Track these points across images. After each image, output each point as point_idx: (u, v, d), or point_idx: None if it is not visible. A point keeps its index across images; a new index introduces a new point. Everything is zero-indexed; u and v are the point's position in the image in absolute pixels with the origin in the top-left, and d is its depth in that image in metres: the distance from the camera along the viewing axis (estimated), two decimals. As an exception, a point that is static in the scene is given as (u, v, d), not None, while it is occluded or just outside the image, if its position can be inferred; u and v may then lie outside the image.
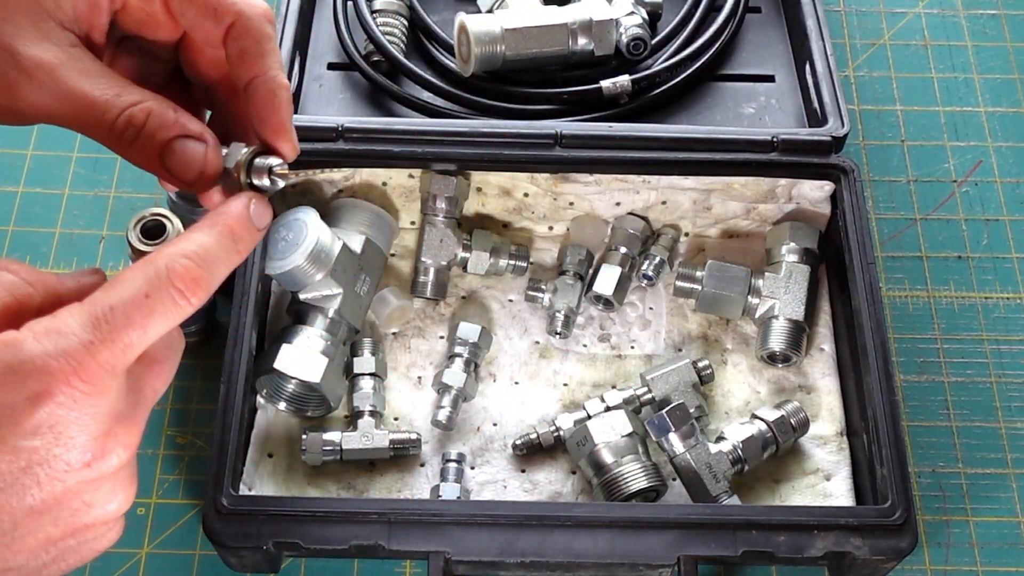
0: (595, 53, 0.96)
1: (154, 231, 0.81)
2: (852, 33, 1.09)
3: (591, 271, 0.91)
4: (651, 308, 0.91)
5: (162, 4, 0.57)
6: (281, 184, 0.57)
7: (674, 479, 0.82)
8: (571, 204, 0.92)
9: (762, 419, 0.82)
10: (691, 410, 0.81)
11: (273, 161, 0.57)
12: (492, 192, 0.92)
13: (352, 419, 0.83)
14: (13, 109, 0.56)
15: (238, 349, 0.80)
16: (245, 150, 0.57)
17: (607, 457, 0.79)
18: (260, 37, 0.57)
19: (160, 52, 0.61)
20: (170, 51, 0.61)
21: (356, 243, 0.85)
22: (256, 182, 0.57)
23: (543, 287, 0.90)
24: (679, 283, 0.89)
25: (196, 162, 0.56)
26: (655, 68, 0.96)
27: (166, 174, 0.56)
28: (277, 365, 0.79)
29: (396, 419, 0.86)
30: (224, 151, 0.57)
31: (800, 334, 0.86)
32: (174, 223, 0.81)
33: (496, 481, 0.83)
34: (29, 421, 0.49)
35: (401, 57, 0.96)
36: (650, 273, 0.90)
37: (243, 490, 0.78)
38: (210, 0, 0.57)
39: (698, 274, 0.88)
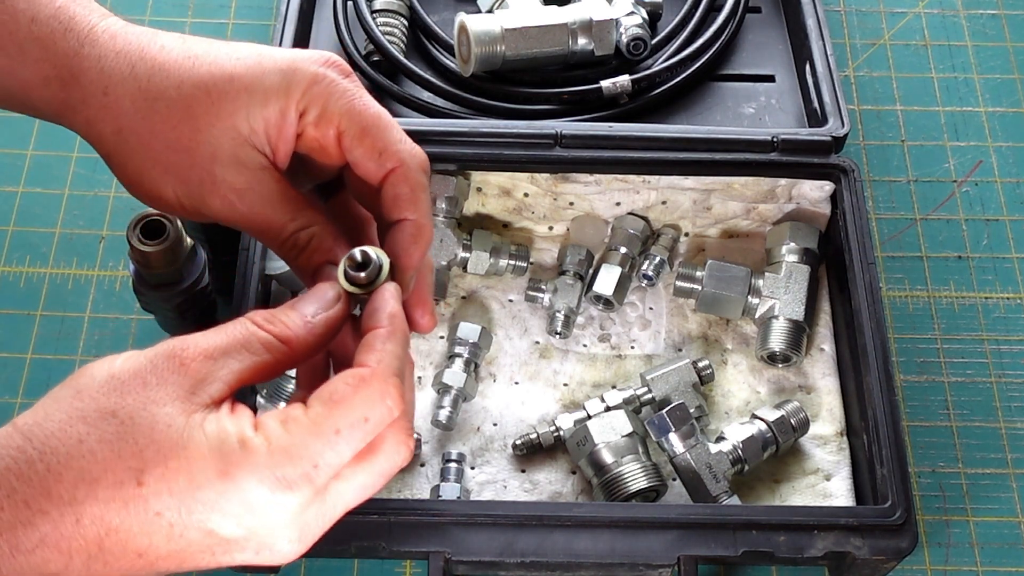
0: (595, 53, 0.96)
1: (154, 231, 0.80)
2: (852, 33, 1.09)
3: (591, 271, 0.91)
4: (651, 308, 0.91)
5: (335, 137, 0.62)
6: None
7: (674, 479, 0.82)
8: (571, 204, 0.92)
9: (762, 419, 0.82)
10: (691, 410, 0.81)
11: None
12: (492, 192, 0.92)
13: (352, 419, 0.83)
14: (197, 212, 0.63)
15: (238, 349, 0.80)
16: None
17: (607, 457, 0.79)
18: (415, 186, 0.62)
19: (325, 173, 0.66)
20: (334, 173, 0.66)
21: (356, 243, 0.85)
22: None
23: (543, 287, 0.90)
24: (679, 283, 0.89)
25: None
26: (655, 68, 0.97)
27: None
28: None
29: (396, 419, 0.86)
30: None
31: (800, 334, 0.86)
32: (174, 223, 0.81)
33: (496, 481, 0.83)
34: (236, 520, 0.52)
35: (401, 57, 0.96)
36: (650, 273, 0.90)
37: (243, 490, 0.78)
38: (377, 144, 0.61)
39: (698, 274, 0.88)
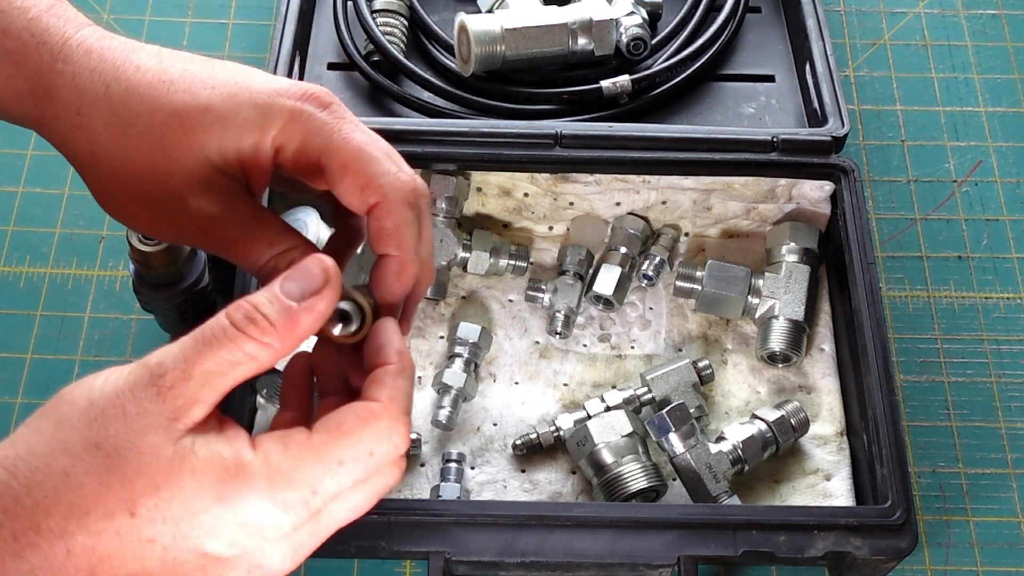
0: (595, 53, 0.96)
1: (154, 231, 0.80)
2: (852, 33, 1.09)
3: (591, 271, 0.91)
4: (651, 308, 0.91)
5: (319, 173, 0.60)
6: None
7: (674, 479, 0.82)
8: (571, 204, 0.92)
9: (762, 419, 0.82)
10: (691, 410, 0.81)
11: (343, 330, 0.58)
12: (492, 192, 0.92)
13: (352, 419, 0.83)
14: (172, 237, 0.63)
15: (238, 349, 0.80)
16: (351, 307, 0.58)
17: (607, 457, 0.79)
18: (399, 221, 0.59)
19: (311, 192, 0.65)
20: (322, 194, 0.64)
21: (356, 243, 0.85)
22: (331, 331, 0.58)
23: (543, 287, 0.90)
24: (679, 283, 0.89)
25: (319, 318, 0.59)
26: (655, 68, 0.97)
27: None
28: (277, 365, 0.79)
29: (396, 419, 0.86)
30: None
31: (800, 334, 0.86)
32: (174, 223, 0.81)
33: (496, 481, 0.83)
34: (230, 541, 0.51)
35: (401, 57, 0.96)
36: (650, 273, 0.90)
37: (243, 490, 0.78)
38: (359, 180, 0.59)
39: (698, 274, 0.88)
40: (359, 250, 0.84)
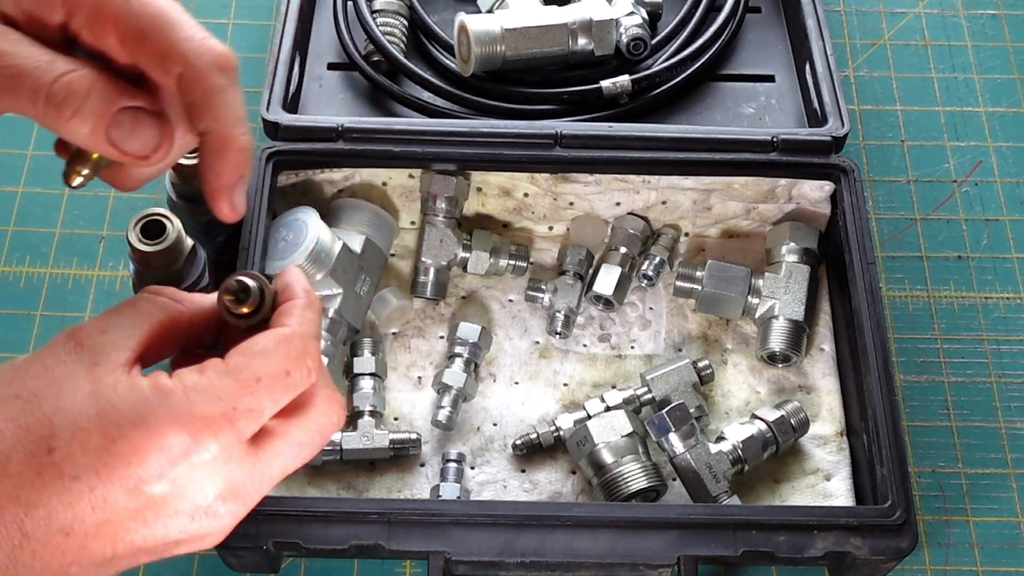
0: (595, 53, 0.96)
1: (154, 231, 0.80)
2: (852, 33, 1.09)
3: (591, 271, 0.91)
4: (651, 308, 0.91)
5: (117, 41, 0.53)
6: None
7: (674, 479, 0.82)
8: (571, 204, 0.92)
9: (762, 419, 0.82)
10: (691, 410, 0.81)
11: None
12: (492, 192, 0.92)
13: (352, 419, 0.83)
14: None
15: (238, 349, 0.80)
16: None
17: (607, 457, 0.79)
18: (209, 90, 0.53)
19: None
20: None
21: (356, 243, 0.85)
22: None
23: (543, 287, 0.90)
24: (679, 283, 0.89)
25: (151, 135, 0.53)
26: (655, 68, 0.97)
27: (114, 151, 0.52)
28: None
29: (396, 419, 0.86)
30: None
31: (800, 334, 0.86)
32: (174, 223, 0.81)
33: (496, 481, 0.83)
34: (159, 472, 0.49)
35: (401, 57, 0.96)
36: (650, 273, 0.90)
37: (243, 490, 0.78)
38: (159, 46, 0.52)
39: (698, 274, 0.88)
40: (358, 249, 0.84)
